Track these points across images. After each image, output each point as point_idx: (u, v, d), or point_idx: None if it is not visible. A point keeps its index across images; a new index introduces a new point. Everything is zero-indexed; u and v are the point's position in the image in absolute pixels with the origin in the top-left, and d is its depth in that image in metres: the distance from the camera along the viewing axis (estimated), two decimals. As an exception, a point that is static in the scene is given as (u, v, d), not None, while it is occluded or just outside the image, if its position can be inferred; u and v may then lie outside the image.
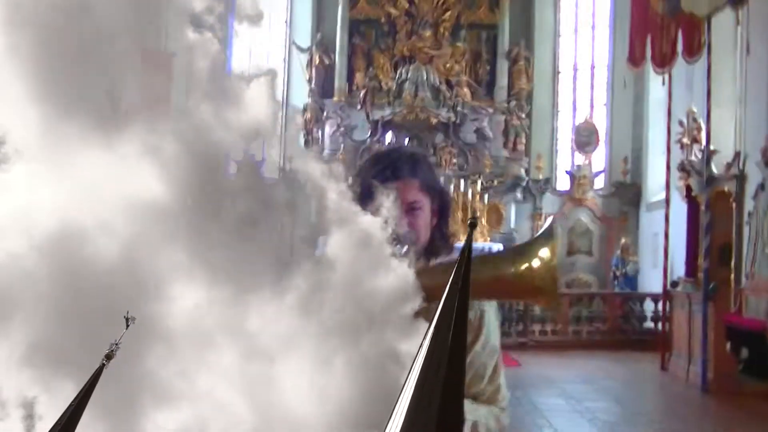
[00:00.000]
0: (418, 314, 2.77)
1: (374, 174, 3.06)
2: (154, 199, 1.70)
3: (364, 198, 3.09)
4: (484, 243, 24.50)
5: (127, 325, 1.54)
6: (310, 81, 28.62)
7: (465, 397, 1.59)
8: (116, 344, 1.50)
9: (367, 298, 1.88)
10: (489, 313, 3.24)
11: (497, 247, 22.65)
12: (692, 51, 16.46)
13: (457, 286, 1.54)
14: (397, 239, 2.93)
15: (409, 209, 3.08)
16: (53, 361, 1.64)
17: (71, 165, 1.67)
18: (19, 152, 1.66)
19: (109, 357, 1.50)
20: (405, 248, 2.81)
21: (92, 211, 1.65)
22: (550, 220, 2.91)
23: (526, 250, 2.76)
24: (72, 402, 1.47)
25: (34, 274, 1.65)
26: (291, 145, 1.66)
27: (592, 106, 29.15)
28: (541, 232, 2.83)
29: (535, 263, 2.68)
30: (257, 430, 1.74)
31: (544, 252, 2.69)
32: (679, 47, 16.92)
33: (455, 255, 3.23)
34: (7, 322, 1.64)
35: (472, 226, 1.73)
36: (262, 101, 1.83)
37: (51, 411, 1.59)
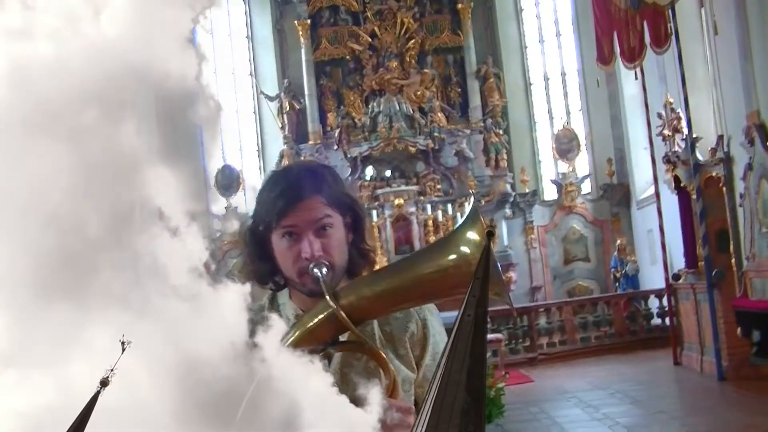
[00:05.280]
0: (352, 343, 2.54)
1: (275, 196, 2.82)
2: (135, 400, 1.67)
3: (266, 225, 2.84)
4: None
5: (123, 350, 1.54)
6: (283, 128, 28.54)
7: None
8: (111, 370, 1.51)
9: None
10: (432, 322, 2.99)
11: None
12: (660, 41, 16.33)
13: (474, 300, 1.57)
14: (315, 264, 2.69)
15: (320, 229, 2.81)
16: None
17: (46, 368, 1.67)
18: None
19: (104, 383, 1.50)
20: (324, 269, 2.70)
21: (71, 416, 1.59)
22: (471, 201, 2.69)
23: (453, 239, 2.50)
24: (69, 429, 1.51)
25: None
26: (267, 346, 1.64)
27: (568, 113, 29.13)
28: (465, 216, 2.57)
29: (466, 249, 2.41)
30: None
31: (473, 235, 2.42)
32: (647, 39, 16.80)
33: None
34: None
35: (490, 234, 1.77)
36: (234, 311, 1.84)
37: None
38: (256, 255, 2.91)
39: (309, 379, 1.87)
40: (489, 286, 2.18)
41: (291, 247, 2.79)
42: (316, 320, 2.50)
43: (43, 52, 1.74)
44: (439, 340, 2.97)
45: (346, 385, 2.52)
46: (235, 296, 1.86)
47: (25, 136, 1.70)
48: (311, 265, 2.70)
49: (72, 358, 1.66)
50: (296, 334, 2.50)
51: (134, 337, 1.60)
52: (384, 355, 2.61)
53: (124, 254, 1.72)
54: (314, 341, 2.47)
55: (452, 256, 2.42)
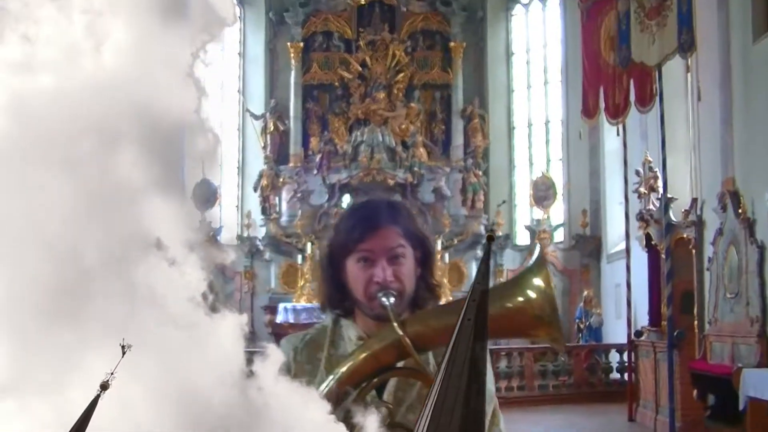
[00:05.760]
0: (410, 369, 2.70)
1: (354, 224, 3.01)
2: (133, 428, 1.67)
3: (343, 250, 3.01)
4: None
5: (123, 353, 1.55)
6: (265, 148, 28.54)
7: None
8: (111, 374, 1.52)
9: None
10: None
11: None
12: (645, 100, 16.43)
13: (474, 305, 1.60)
14: (385, 293, 2.85)
15: (392, 257, 2.98)
16: None
17: (45, 395, 1.67)
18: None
19: (104, 387, 1.52)
20: (392, 298, 2.86)
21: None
22: (538, 249, 2.83)
23: (519, 282, 2.66)
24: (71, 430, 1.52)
25: None
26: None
27: (548, 161, 29.26)
28: (531, 263, 2.74)
29: (532, 294, 2.59)
30: None
31: (538, 281, 2.61)
32: (632, 97, 16.93)
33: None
34: None
35: (490, 239, 1.84)
36: (232, 341, 1.87)
37: None
38: (331, 280, 3.09)
39: (306, 408, 1.91)
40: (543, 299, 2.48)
41: (364, 271, 2.95)
42: (381, 344, 2.67)
43: (44, 84, 1.76)
44: (486, 379, 3.10)
45: (398, 407, 2.81)
46: (233, 326, 1.88)
47: (24, 166, 1.72)
48: (380, 294, 2.86)
49: (71, 386, 1.66)
50: (361, 355, 2.68)
51: (133, 366, 1.61)
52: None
53: (121, 283, 1.73)
54: (376, 364, 2.66)
55: (519, 299, 2.59)
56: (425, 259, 3.11)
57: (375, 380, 2.69)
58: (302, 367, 3.01)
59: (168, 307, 1.76)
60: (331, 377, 2.67)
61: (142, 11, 1.84)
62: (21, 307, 1.68)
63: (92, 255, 1.71)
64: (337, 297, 3.08)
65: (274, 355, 1.99)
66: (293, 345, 3.11)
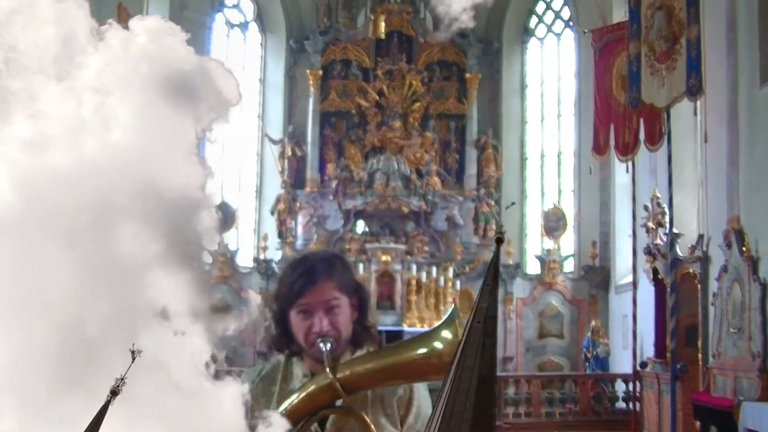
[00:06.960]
0: (342, 408, 3.22)
1: (294, 280, 3.41)
2: None
3: (286, 303, 3.45)
4: (458, 329, 24.74)
5: (133, 359, 1.58)
6: (282, 172, 28.78)
7: None
8: (122, 380, 1.54)
9: None
10: (418, 387, 3.54)
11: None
12: (654, 140, 16.78)
13: (483, 309, 1.67)
14: (322, 340, 3.28)
15: (329, 309, 3.36)
16: None
17: None
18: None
19: (114, 393, 1.54)
20: (329, 345, 3.23)
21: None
22: (451, 308, 3.32)
23: (431, 334, 3.13)
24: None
25: None
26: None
27: (559, 192, 29.51)
28: (444, 318, 3.20)
29: (439, 345, 3.05)
30: None
31: (447, 334, 3.06)
32: (641, 136, 17.29)
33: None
34: None
35: (499, 241, 1.97)
36: (234, 409, 1.93)
37: None
38: (277, 327, 3.53)
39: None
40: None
41: (304, 321, 3.39)
42: (316, 387, 3.12)
43: (50, 161, 1.79)
44: (423, 403, 3.52)
45: None
46: (235, 394, 1.94)
47: (29, 239, 1.75)
48: (318, 340, 3.30)
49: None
50: (299, 396, 3.12)
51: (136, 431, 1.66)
52: (368, 420, 3.21)
53: (125, 352, 1.68)
54: (313, 404, 3.10)
55: (424, 350, 3.09)
56: (360, 305, 3.54)
57: (314, 417, 3.11)
58: (258, 400, 3.41)
59: (171, 375, 1.81)
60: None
61: (150, 91, 1.91)
62: (27, 374, 1.70)
63: (96, 324, 1.74)
64: (285, 341, 3.51)
65: (279, 422, 2.16)
66: (251, 379, 3.52)
